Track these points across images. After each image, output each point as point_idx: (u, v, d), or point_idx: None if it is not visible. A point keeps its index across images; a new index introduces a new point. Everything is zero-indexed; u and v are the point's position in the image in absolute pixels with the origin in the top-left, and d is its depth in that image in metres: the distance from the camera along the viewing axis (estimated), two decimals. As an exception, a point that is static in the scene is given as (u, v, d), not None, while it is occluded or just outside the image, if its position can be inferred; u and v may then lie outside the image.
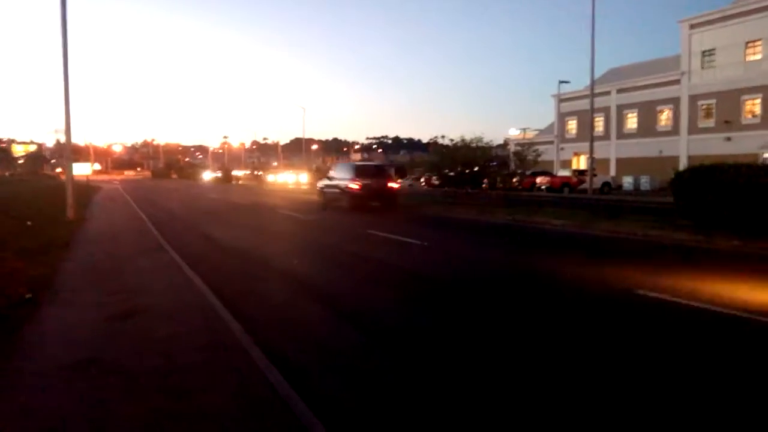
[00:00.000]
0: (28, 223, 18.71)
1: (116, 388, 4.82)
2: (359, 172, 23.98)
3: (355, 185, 23.13)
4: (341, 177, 24.38)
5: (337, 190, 24.71)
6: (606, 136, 55.74)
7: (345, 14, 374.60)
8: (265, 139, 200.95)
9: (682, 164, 45.97)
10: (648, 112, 53.05)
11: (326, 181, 26.13)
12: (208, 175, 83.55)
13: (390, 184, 24.73)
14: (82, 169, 57.72)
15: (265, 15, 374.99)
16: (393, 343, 6.37)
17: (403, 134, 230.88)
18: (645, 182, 46.79)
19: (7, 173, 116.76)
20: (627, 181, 48.28)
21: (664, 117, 51.99)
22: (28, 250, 12.13)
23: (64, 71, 20.14)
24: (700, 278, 9.51)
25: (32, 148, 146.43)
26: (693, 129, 48.86)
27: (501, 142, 77.98)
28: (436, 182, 42.53)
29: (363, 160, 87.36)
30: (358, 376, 5.33)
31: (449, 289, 9.31)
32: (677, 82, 50.20)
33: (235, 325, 6.64)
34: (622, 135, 55.69)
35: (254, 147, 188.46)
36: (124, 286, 9.09)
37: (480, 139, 31.18)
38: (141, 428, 4.09)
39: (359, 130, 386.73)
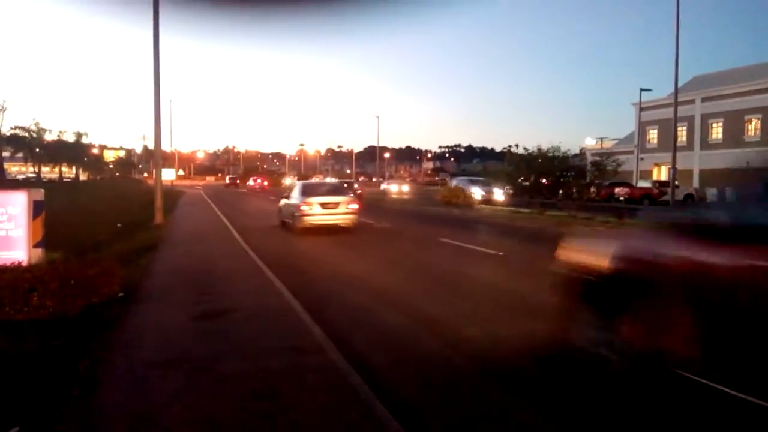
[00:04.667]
0: (119, 225, 19.71)
1: (205, 387, 5.04)
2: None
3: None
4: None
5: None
6: (689, 146, 53.72)
7: (419, 23, 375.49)
8: (339, 146, 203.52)
9: (772, 176, 43.75)
10: (735, 122, 50.79)
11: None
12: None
13: None
14: (167, 175, 59.78)
15: (341, 29, 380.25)
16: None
17: (476, 143, 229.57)
18: (731, 195, 44.79)
19: (98, 177, 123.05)
20: (711, 194, 46.38)
21: (752, 127, 49.69)
22: (120, 252, 12.80)
23: (155, 84, 21.05)
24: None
25: (122, 153, 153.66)
26: (784, 139, 46.57)
27: (576, 151, 76.22)
28: (510, 191, 42.10)
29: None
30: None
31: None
32: (766, 90, 47.93)
33: (315, 328, 6.83)
34: (706, 145, 53.53)
35: (329, 154, 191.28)
36: (209, 288, 9.47)
37: (557, 149, 30.80)
38: (232, 428, 4.28)
39: (432, 139, 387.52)
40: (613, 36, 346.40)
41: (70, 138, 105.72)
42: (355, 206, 19.34)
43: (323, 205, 18.43)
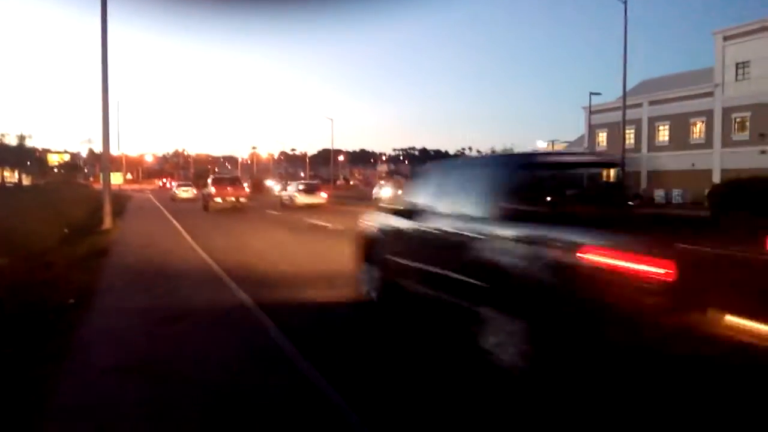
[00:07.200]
0: (65, 230, 19.11)
1: (165, 391, 4.95)
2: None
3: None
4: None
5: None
6: (637, 148, 55.16)
7: (371, 26, 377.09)
8: (293, 150, 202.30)
9: (716, 177, 45.30)
10: (680, 125, 52.38)
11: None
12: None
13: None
14: (114, 179, 58.64)
15: (294, 31, 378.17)
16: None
17: (430, 145, 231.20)
18: (677, 195, 46.28)
19: (42, 182, 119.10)
20: (659, 194, 47.76)
21: (697, 130, 51.29)
22: (70, 257, 12.41)
23: (103, 88, 20.41)
24: None
25: (66, 157, 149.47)
26: (727, 142, 48.10)
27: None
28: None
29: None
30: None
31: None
32: (711, 94, 49.50)
33: (275, 332, 6.76)
34: (653, 148, 55.05)
35: (282, 158, 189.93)
36: (162, 290, 9.32)
37: (511, 151, 31.27)
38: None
39: (386, 141, 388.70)
40: (563, 40, 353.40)
41: (12, 141, 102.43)
42: (194, 190, 48.51)
43: (183, 190, 48.76)
